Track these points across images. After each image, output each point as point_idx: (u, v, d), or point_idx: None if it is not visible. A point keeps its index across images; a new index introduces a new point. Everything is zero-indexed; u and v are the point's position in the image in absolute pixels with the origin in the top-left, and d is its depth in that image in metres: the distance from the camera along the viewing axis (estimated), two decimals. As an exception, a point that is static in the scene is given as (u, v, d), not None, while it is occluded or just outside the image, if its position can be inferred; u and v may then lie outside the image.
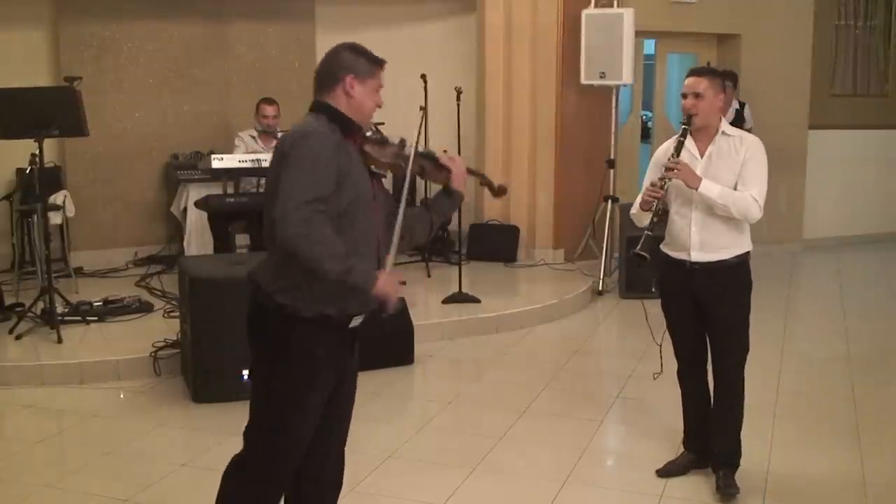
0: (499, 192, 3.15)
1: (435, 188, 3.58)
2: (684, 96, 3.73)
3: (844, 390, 5.24)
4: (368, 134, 2.89)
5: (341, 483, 3.02)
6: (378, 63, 2.85)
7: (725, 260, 3.75)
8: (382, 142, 2.91)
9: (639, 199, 3.80)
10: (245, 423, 2.85)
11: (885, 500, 3.91)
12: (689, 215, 3.75)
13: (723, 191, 3.66)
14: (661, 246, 3.90)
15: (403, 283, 2.77)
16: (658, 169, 3.78)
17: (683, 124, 3.74)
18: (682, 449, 4.10)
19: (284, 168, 2.61)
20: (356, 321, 2.81)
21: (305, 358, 2.69)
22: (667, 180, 3.68)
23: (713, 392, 3.92)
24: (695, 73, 3.80)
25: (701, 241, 3.74)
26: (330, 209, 2.61)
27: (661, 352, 4.07)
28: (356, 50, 2.84)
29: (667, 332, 4.00)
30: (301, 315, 2.66)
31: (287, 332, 2.69)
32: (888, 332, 6.63)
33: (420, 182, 8.00)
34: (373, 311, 2.76)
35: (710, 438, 3.94)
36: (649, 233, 3.68)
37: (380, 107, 2.87)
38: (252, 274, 2.80)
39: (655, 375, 4.23)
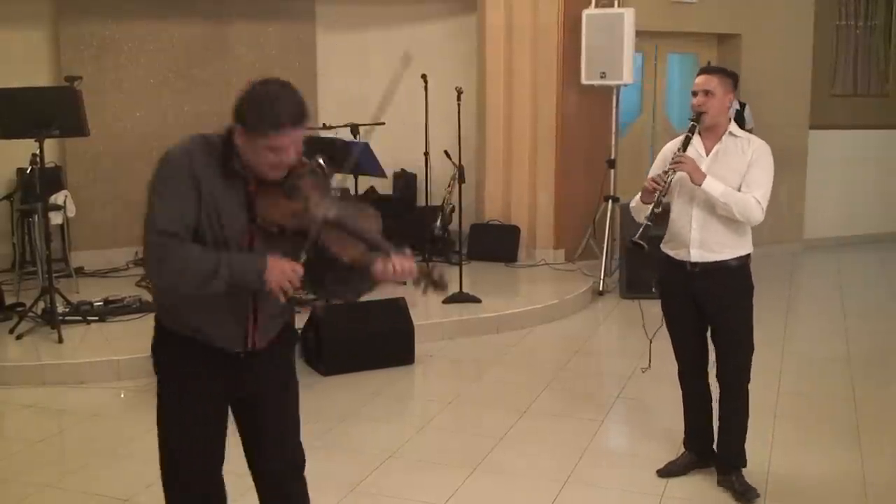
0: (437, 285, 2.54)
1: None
2: (694, 94, 3.72)
3: (844, 390, 5.24)
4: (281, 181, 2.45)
5: (298, 475, 2.86)
6: (271, 126, 2.36)
7: (725, 261, 3.73)
8: (289, 192, 2.43)
9: (640, 194, 3.80)
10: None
11: (885, 500, 3.90)
12: (690, 213, 3.74)
13: (726, 189, 3.64)
14: (662, 245, 3.89)
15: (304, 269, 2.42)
16: (663, 163, 3.78)
17: (692, 121, 3.74)
18: (682, 449, 4.10)
19: (148, 196, 2.56)
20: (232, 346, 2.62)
21: (172, 373, 2.67)
22: (671, 173, 3.67)
23: (719, 394, 3.91)
24: (706, 71, 3.80)
25: (701, 240, 3.72)
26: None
27: (650, 347, 4.10)
28: (257, 98, 2.40)
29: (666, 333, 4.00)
30: (168, 331, 2.61)
31: (158, 346, 2.70)
32: (888, 332, 6.63)
33: (428, 185, 8.02)
34: (247, 350, 2.60)
35: (716, 440, 3.95)
36: (649, 223, 3.68)
37: (286, 163, 2.43)
38: None
39: (643, 370, 4.27)
